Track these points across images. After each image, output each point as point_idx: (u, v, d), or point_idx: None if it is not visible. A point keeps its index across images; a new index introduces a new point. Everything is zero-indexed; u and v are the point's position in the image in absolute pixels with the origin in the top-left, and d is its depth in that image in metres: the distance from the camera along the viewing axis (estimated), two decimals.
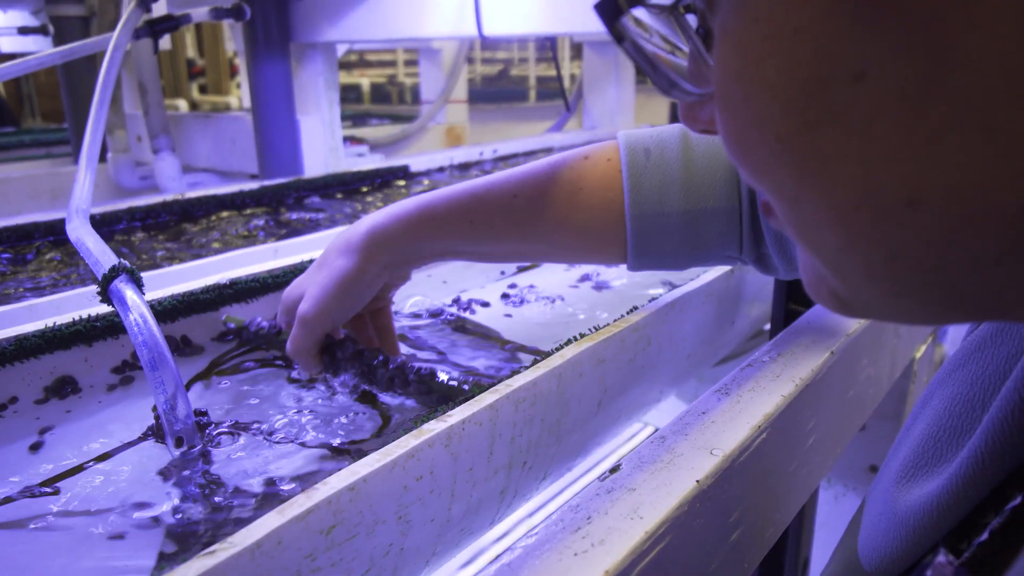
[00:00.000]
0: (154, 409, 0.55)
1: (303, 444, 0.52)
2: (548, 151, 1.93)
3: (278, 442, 0.52)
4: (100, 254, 0.56)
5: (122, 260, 0.54)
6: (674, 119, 2.13)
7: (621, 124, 2.18)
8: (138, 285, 0.53)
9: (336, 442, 0.52)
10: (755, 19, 0.21)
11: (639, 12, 0.26)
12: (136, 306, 0.50)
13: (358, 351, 0.60)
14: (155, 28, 1.20)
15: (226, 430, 0.54)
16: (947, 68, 0.19)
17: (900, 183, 0.21)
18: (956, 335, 2.10)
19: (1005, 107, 0.19)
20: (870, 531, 0.35)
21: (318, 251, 0.79)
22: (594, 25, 1.08)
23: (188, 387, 0.61)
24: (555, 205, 0.55)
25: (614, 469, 0.41)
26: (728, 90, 0.23)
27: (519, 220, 0.56)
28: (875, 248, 0.23)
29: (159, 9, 1.35)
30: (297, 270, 0.73)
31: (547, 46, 1.90)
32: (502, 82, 6.17)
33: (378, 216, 0.58)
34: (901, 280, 0.23)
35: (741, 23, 0.22)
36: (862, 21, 0.20)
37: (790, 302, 0.68)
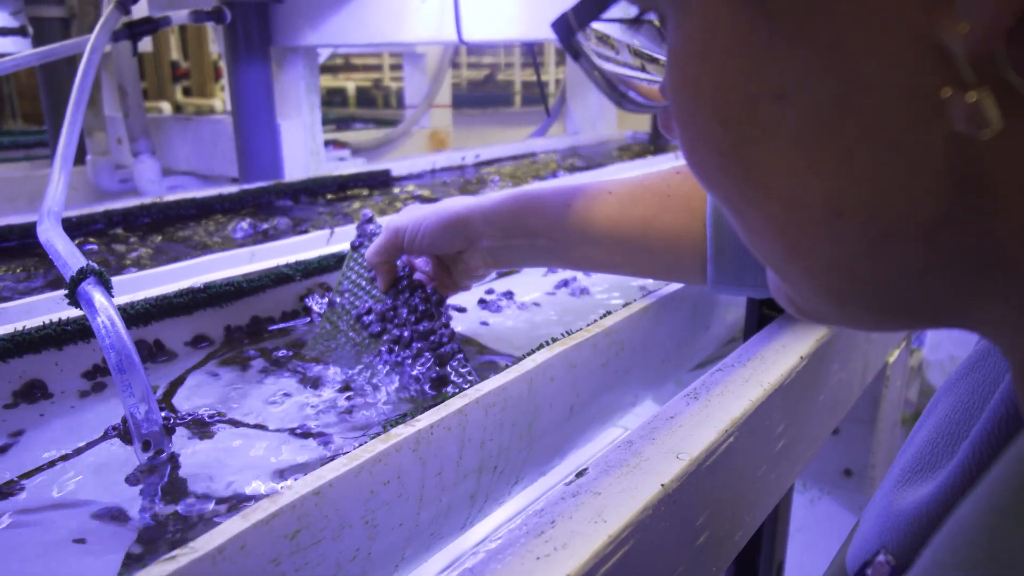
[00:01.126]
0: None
1: (272, 448, 0.52)
2: (531, 156, 1.93)
3: (247, 446, 0.52)
4: (69, 256, 0.56)
5: (90, 262, 0.54)
6: (656, 126, 2.14)
7: (603, 129, 2.19)
8: (107, 287, 0.53)
9: (306, 447, 0.52)
10: (690, 38, 0.23)
11: (610, 28, 0.27)
12: (104, 308, 0.50)
13: (421, 282, 0.67)
14: (134, 30, 1.19)
15: (195, 432, 0.53)
16: (855, 89, 0.20)
17: (825, 197, 0.22)
18: (935, 339, 2.12)
19: (910, 128, 0.20)
20: (863, 534, 0.36)
21: (295, 255, 0.79)
22: None
23: (179, 383, 0.60)
24: (644, 205, 0.58)
25: (580, 473, 0.42)
26: (677, 105, 0.24)
27: (611, 213, 0.58)
28: (812, 258, 0.24)
29: (139, 11, 1.35)
30: (273, 274, 0.73)
31: (531, 51, 1.91)
32: (488, 87, 6.18)
33: (486, 195, 0.63)
34: (839, 289, 0.24)
35: (680, 41, 0.23)
36: (779, 44, 0.21)
37: (763, 307, 0.69)
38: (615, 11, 0.25)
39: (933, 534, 0.30)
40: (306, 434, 0.54)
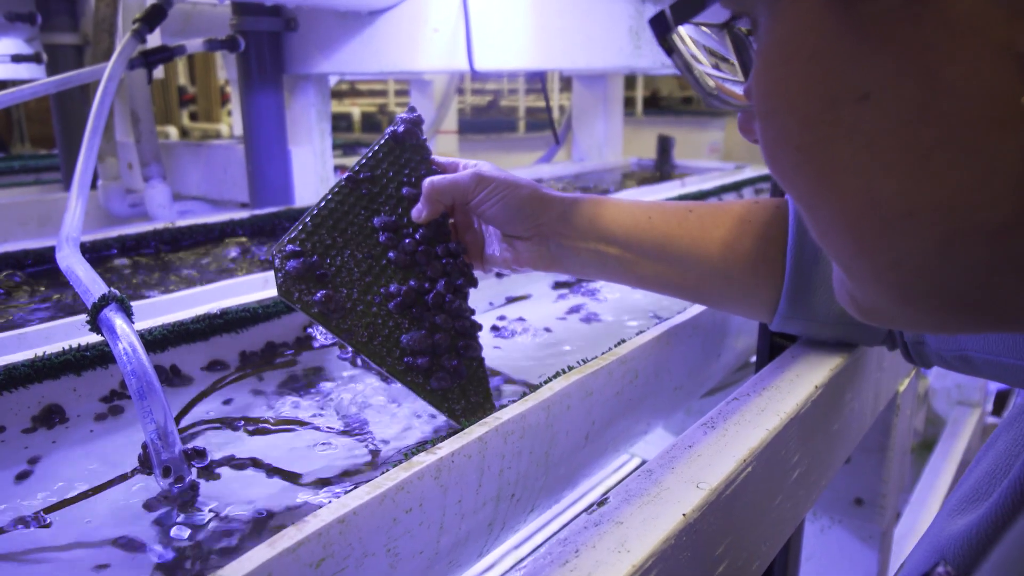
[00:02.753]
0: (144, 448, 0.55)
1: (294, 474, 0.52)
2: (538, 182, 1.94)
3: (265, 472, 0.52)
4: (90, 282, 0.56)
5: (112, 289, 0.54)
6: (662, 152, 2.15)
7: (609, 156, 2.21)
8: (128, 314, 0.53)
9: (328, 473, 0.52)
10: (780, 42, 0.24)
11: (687, 29, 0.29)
12: (125, 335, 0.51)
13: (459, 251, 0.61)
14: (150, 59, 1.21)
15: (213, 459, 0.54)
16: (937, 94, 0.21)
17: (898, 196, 0.23)
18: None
19: (987, 133, 0.21)
20: (914, 559, 0.36)
21: None
22: (583, 61, 1.10)
23: (187, 410, 0.61)
24: (725, 228, 0.58)
25: (602, 502, 0.42)
26: (760, 104, 0.25)
27: (693, 232, 0.58)
28: (880, 255, 0.24)
29: (154, 40, 1.37)
30: None
31: (537, 78, 1.93)
32: (492, 113, 6.22)
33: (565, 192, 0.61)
34: (905, 286, 0.25)
35: (769, 45, 0.24)
36: (865, 49, 0.22)
37: (775, 336, 0.69)
38: (708, 14, 0.26)
39: (989, 547, 0.31)
40: (326, 463, 0.54)
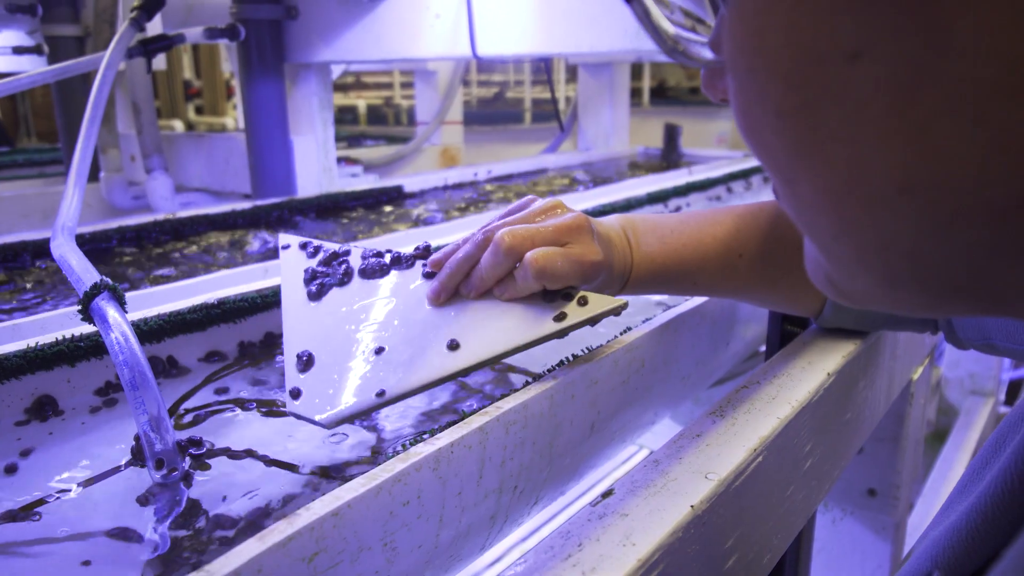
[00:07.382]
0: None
1: (290, 468, 0.51)
2: (543, 172, 1.92)
3: (261, 465, 0.51)
4: (82, 271, 0.55)
5: (104, 278, 0.53)
6: (669, 140, 2.13)
7: (616, 146, 2.19)
8: (120, 303, 0.52)
9: (325, 465, 0.51)
10: None
11: None
12: (117, 324, 0.49)
13: None
14: (148, 47, 1.20)
15: (208, 451, 0.52)
16: (941, 54, 0.18)
17: (892, 170, 0.20)
18: (953, 356, 2.09)
19: (998, 99, 0.18)
20: (914, 560, 0.34)
21: None
22: (588, 45, 1.08)
23: (182, 401, 0.59)
24: (787, 279, 0.57)
25: (607, 494, 0.40)
26: (735, 61, 0.22)
27: (738, 285, 0.57)
28: (867, 235, 0.22)
29: (154, 29, 1.36)
30: None
31: (542, 68, 1.91)
32: (498, 104, 6.20)
33: (644, 221, 0.57)
34: (894, 269, 0.22)
35: None
36: None
37: (786, 323, 0.67)
38: None
39: (980, 544, 0.29)
40: (323, 457, 0.53)
